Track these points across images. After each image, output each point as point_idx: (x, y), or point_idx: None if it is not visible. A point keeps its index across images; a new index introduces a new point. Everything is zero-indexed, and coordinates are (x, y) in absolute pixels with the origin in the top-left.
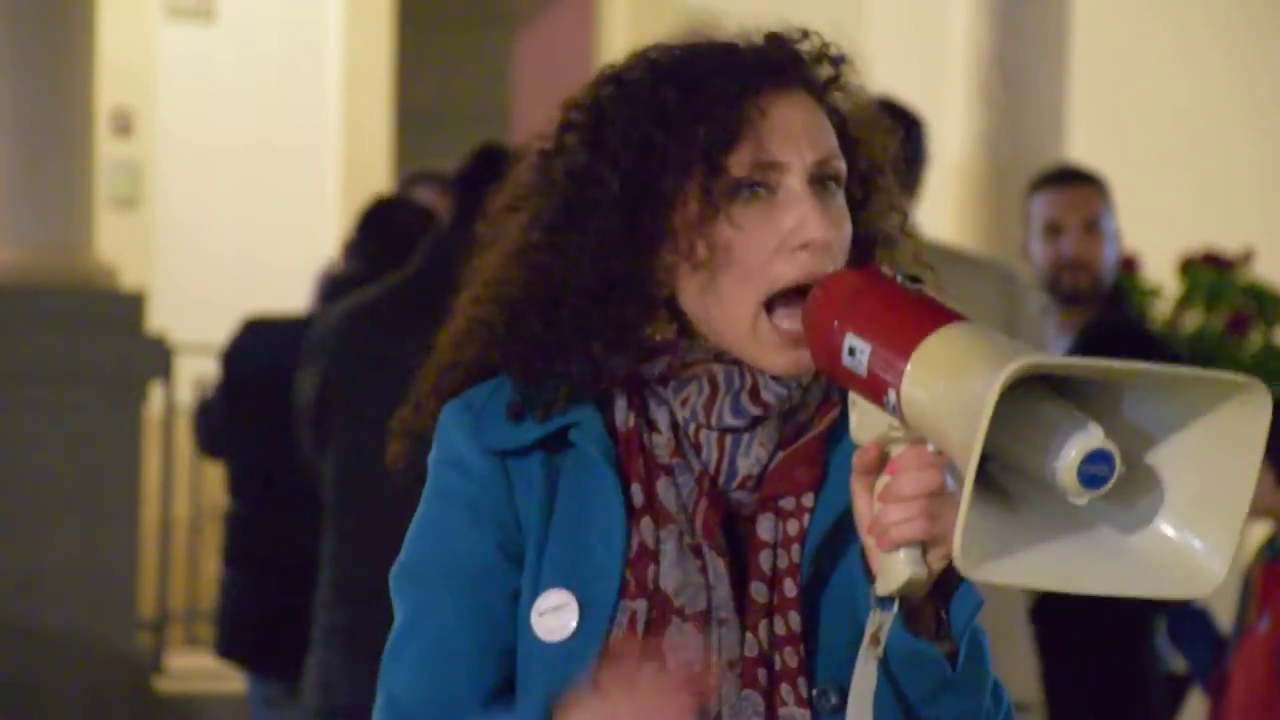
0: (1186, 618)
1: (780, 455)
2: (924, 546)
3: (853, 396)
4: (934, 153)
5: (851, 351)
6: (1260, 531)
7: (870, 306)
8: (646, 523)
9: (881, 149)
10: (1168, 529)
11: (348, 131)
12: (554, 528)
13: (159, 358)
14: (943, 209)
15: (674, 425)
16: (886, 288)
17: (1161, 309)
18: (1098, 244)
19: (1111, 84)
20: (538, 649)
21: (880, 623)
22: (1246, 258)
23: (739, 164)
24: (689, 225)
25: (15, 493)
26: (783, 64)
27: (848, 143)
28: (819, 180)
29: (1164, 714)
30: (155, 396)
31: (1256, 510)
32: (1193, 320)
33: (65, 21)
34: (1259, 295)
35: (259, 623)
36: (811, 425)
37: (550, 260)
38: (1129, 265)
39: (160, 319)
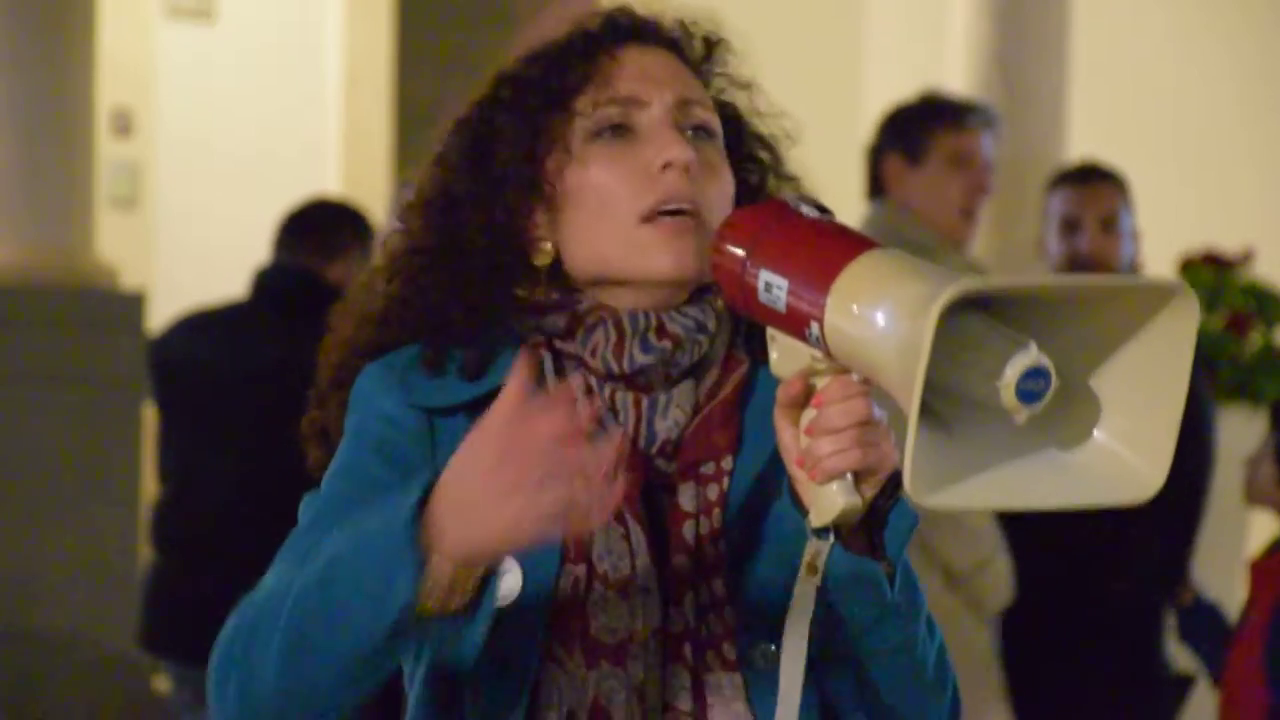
0: (1198, 614)
1: (696, 419)
2: (856, 475)
3: (771, 332)
4: None
5: (768, 287)
6: (1271, 527)
7: (782, 240)
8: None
9: (772, 131)
10: (1105, 439)
11: (348, 131)
12: None
13: (148, 355)
14: None
15: (588, 389)
16: (795, 219)
17: None
18: (1114, 242)
19: (1111, 84)
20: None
21: (816, 551)
22: (1246, 258)
23: (587, 102)
24: (553, 170)
25: (15, 493)
26: (639, 23)
27: (735, 127)
28: (685, 127)
29: (1170, 714)
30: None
31: (1260, 501)
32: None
33: (65, 21)
34: (1259, 295)
35: (186, 611)
36: (722, 387)
37: (413, 232)
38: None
39: (160, 319)
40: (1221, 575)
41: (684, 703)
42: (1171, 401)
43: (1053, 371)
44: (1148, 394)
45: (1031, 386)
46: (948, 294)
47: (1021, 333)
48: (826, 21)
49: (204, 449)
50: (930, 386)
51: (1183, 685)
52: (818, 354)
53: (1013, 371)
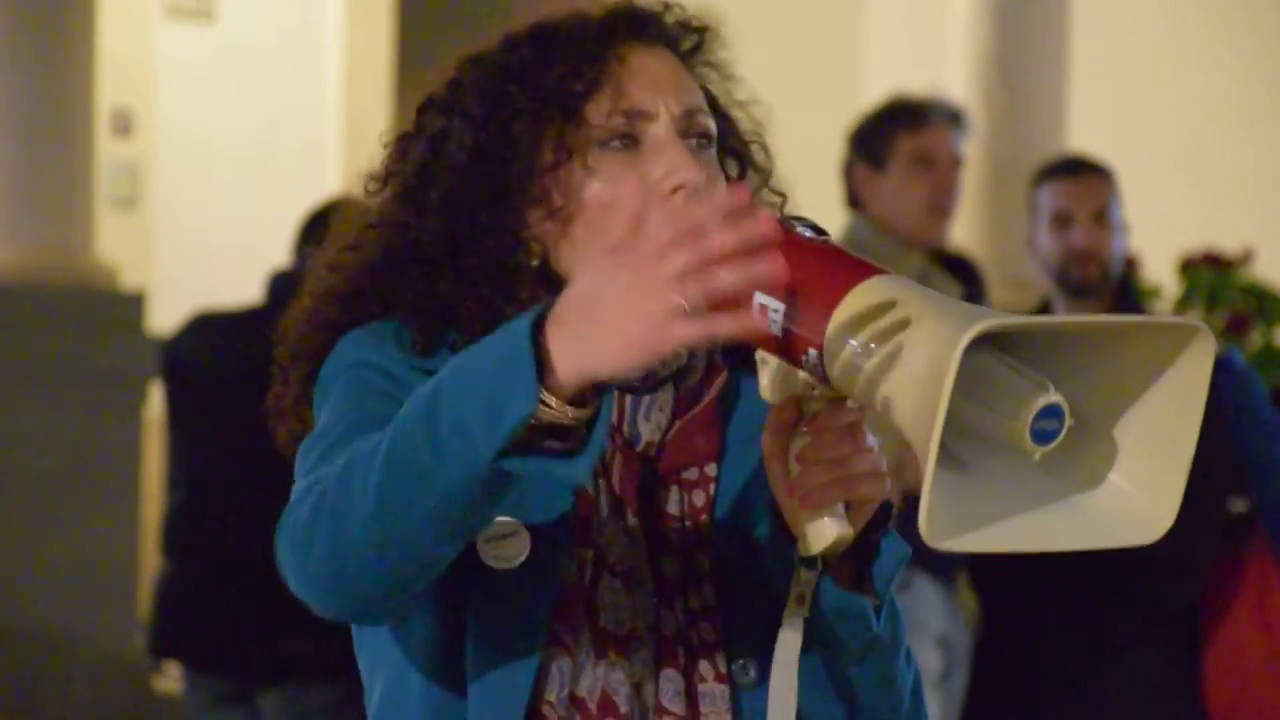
0: None
1: (676, 424)
2: (847, 505)
3: (761, 355)
4: None
5: (762, 310)
6: None
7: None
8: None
9: (753, 125)
10: (1116, 478)
11: (348, 131)
12: None
13: (159, 358)
14: None
15: None
16: (792, 240)
17: (1161, 309)
18: (1107, 235)
19: (1111, 84)
20: (483, 576)
21: (806, 582)
22: (1246, 258)
23: (598, 111)
24: (550, 178)
25: (15, 493)
26: (642, 19)
27: (718, 118)
28: (688, 135)
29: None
30: (155, 396)
31: None
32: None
33: (65, 21)
34: (1259, 295)
35: (202, 617)
36: (703, 392)
37: (407, 221)
38: (1128, 265)
39: (160, 319)
40: None
41: (677, 706)
42: (1184, 442)
43: (1067, 411)
44: (1160, 433)
45: (1046, 426)
46: (970, 333)
47: (1036, 368)
48: (826, 21)
49: (218, 455)
50: (945, 422)
51: None
52: (813, 380)
53: (1029, 411)
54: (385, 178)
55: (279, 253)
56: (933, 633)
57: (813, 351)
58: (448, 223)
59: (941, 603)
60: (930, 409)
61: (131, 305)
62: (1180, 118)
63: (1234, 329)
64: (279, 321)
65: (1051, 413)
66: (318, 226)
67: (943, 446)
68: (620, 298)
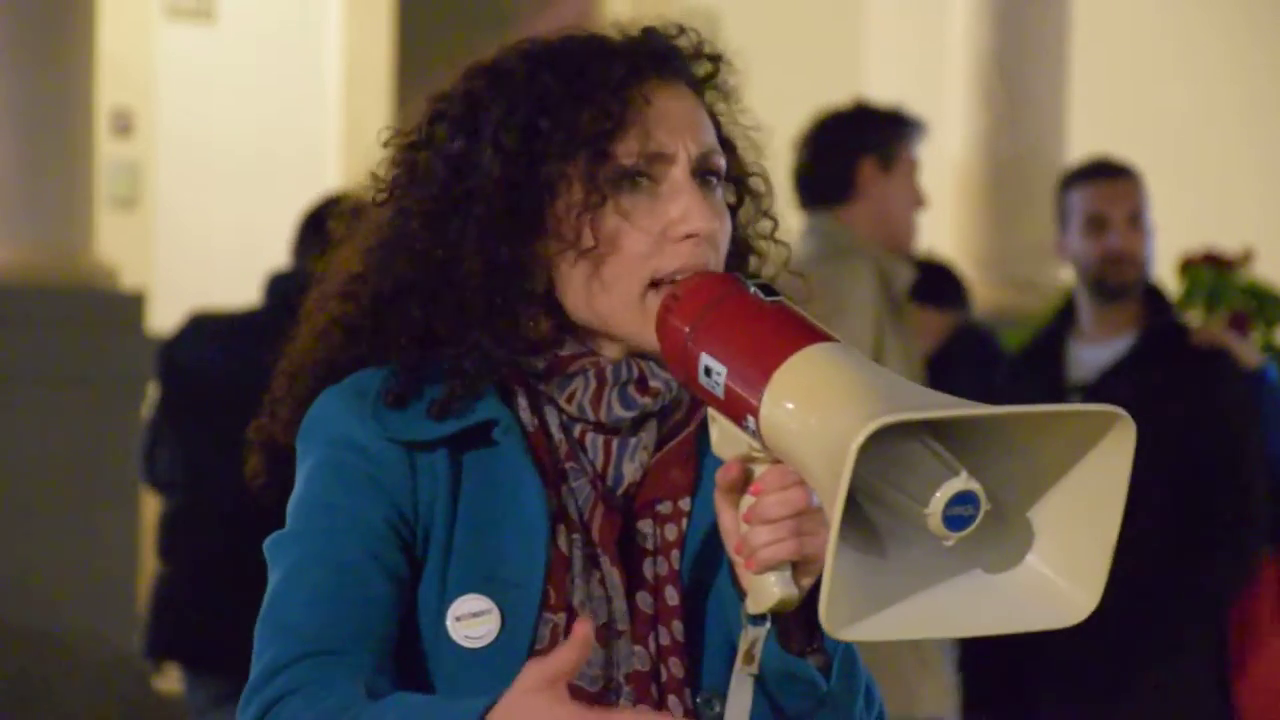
0: None
1: (655, 456)
2: (794, 565)
3: (712, 412)
4: (933, 152)
5: (707, 372)
6: None
7: (725, 324)
8: (562, 530)
9: (755, 152)
10: (1038, 563)
11: (348, 131)
12: (459, 529)
13: (156, 359)
14: (942, 208)
15: (563, 427)
16: (740, 301)
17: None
18: (1141, 237)
19: (1111, 84)
20: (451, 653)
21: (754, 640)
22: (1246, 258)
23: (627, 152)
24: (573, 212)
25: (15, 492)
26: (664, 54)
27: (722, 144)
28: (701, 174)
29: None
30: (155, 396)
31: None
32: (1193, 320)
33: (65, 21)
34: (1259, 295)
35: (201, 619)
36: (684, 427)
37: (430, 249)
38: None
39: (160, 319)
40: None
41: None
42: (1106, 525)
43: (982, 497)
44: (1083, 518)
45: (960, 512)
46: (872, 427)
47: (956, 452)
48: (826, 22)
49: (215, 458)
50: (863, 491)
51: None
52: (755, 444)
53: (941, 496)
54: (391, 187)
55: (278, 253)
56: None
57: (751, 418)
58: (476, 257)
59: None
60: (835, 485)
61: (131, 305)
62: (1180, 117)
63: (1234, 329)
64: (280, 334)
65: (966, 499)
66: (316, 227)
67: (861, 512)
68: None
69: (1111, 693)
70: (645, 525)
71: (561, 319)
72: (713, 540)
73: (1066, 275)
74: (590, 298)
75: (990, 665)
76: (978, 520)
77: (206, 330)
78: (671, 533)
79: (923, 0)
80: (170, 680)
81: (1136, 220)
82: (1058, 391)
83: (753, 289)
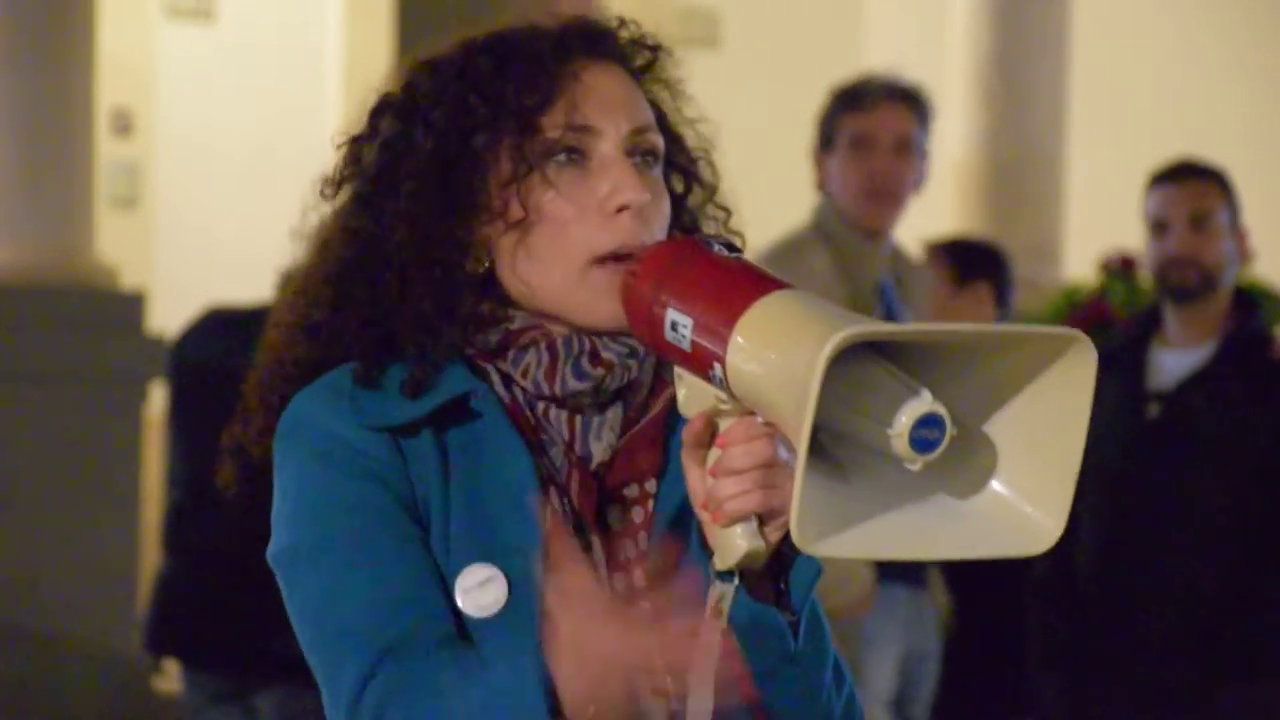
0: None
1: (623, 440)
2: (760, 518)
3: (678, 371)
4: (934, 150)
5: (674, 326)
6: None
7: (689, 279)
8: (553, 492)
9: (702, 142)
10: (1003, 488)
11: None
12: (454, 505)
13: (159, 358)
14: (943, 206)
15: (528, 403)
16: (704, 258)
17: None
18: (1206, 241)
19: (1111, 84)
20: (466, 625)
21: (721, 594)
22: (1247, 258)
23: (553, 125)
24: (503, 186)
25: (15, 492)
26: (596, 35)
27: (667, 136)
28: (635, 152)
29: None
30: (155, 396)
31: None
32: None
33: (65, 21)
34: (1259, 295)
35: (203, 615)
36: (649, 409)
37: (364, 226)
38: (1128, 265)
39: (160, 319)
40: None
41: None
42: (1070, 452)
43: (948, 420)
44: (1047, 444)
45: (926, 435)
46: (836, 338)
47: (921, 379)
48: (827, 21)
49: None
50: (826, 430)
51: None
52: (722, 395)
53: (906, 419)
54: (339, 181)
55: (279, 252)
56: (894, 650)
57: (718, 366)
58: (408, 231)
59: (905, 607)
60: (802, 413)
61: (131, 305)
62: (1180, 117)
63: None
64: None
65: (931, 422)
66: None
67: (827, 452)
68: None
69: (1190, 707)
70: (614, 509)
71: (504, 297)
72: (680, 522)
73: (1066, 275)
74: (527, 275)
75: (1064, 675)
76: (944, 444)
77: (220, 324)
78: (639, 515)
79: (922, 0)
80: (170, 680)
81: (1201, 223)
82: (1136, 398)
83: (716, 247)
